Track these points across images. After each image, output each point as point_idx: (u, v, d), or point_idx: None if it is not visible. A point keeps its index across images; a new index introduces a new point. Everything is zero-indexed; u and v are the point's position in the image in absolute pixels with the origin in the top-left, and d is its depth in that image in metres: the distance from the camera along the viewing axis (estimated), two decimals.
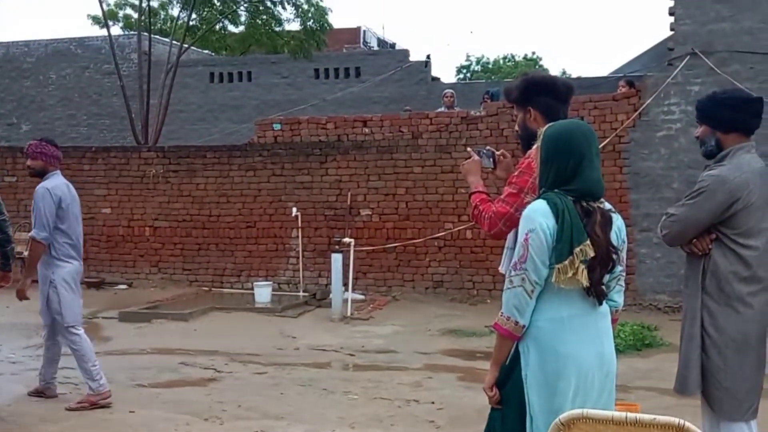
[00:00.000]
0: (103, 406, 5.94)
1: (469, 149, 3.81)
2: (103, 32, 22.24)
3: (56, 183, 6.08)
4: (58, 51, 23.07)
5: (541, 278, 2.72)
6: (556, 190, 2.78)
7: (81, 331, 6.09)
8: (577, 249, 2.68)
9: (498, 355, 2.86)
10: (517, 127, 3.56)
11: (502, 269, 3.38)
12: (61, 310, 5.97)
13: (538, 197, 2.82)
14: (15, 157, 13.36)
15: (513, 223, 3.19)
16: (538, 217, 2.73)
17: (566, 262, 2.67)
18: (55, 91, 22.97)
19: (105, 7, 21.63)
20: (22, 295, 6.07)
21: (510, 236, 3.33)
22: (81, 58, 22.82)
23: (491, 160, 3.68)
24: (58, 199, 5.97)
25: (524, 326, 2.76)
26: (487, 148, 3.78)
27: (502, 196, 3.33)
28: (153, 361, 7.65)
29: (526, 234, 2.73)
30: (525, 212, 2.81)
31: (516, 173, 3.34)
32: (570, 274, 2.68)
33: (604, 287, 2.77)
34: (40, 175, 6.16)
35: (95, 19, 27.10)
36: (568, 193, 2.76)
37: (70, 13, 76.52)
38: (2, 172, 13.26)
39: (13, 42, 24.33)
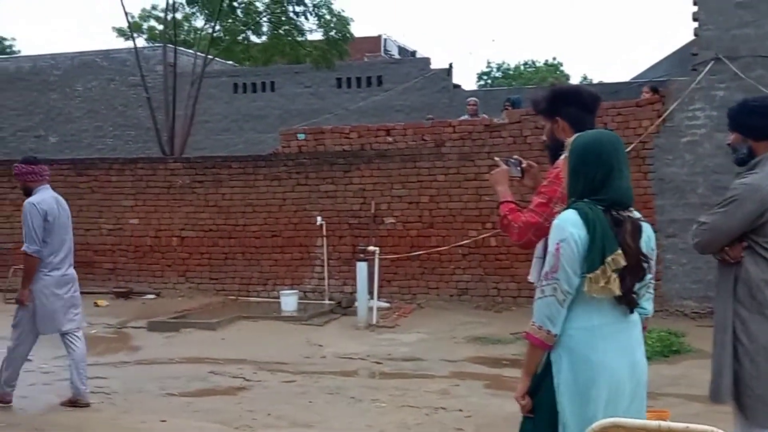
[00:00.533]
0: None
1: (496, 158, 3.82)
2: (128, 44, 22.53)
3: (43, 197, 6.31)
4: (84, 63, 23.39)
5: (572, 288, 2.75)
6: (585, 200, 2.81)
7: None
8: (609, 258, 2.71)
9: (529, 364, 2.89)
10: (544, 138, 3.59)
11: (531, 278, 3.41)
12: (36, 319, 6.25)
13: (568, 207, 2.84)
14: None
15: (542, 232, 3.22)
16: (568, 227, 2.75)
17: (598, 272, 2.70)
18: (82, 103, 23.28)
19: (130, 20, 21.90)
20: (23, 303, 6.28)
21: (539, 246, 3.35)
22: (107, 70, 23.12)
23: (519, 169, 3.70)
24: (44, 213, 6.21)
25: (556, 335, 2.79)
26: (515, 157, 3.80)
27: (531, 206, 3.36)
28: (182, 370, 7.72)
29: (557, 244, 2.76)
30: (555, 222, 2.83)
31: (545, 183, 3.36)
32: (602, 284, 2.70)
33: (635, 295, 2.80)
34: (28, 193, 6.40)
35: (120, 32, 27.48)
36: (597, 203, 2.79)
37: (95, 25, 77.50)
38: None
39: (39, 55, 24.72)
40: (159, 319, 10.12)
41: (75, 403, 6.32)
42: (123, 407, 6.32)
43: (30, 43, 79.14)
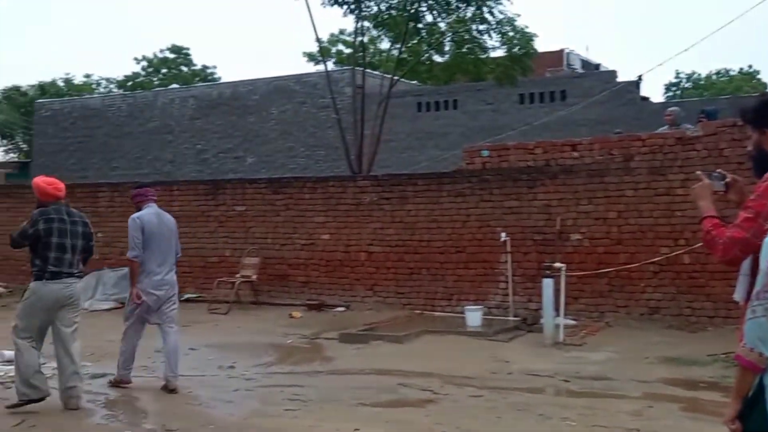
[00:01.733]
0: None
1: (698, 172, 3.69)
2: (318, 68, 23.60)
3: (143, 213, 7.55)
4: (279, 88, 24.77)
5: None
6: None
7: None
8: None
9: (739, 388, 2.77)
10: (750, 148, 3.43)
11: (736, 297, 3.26)
12: (141, 311, 7.50)
13: None
14: (244, 188, 14.50)
15: (749, 249, 3.08)
16: None
17: None
18: (276, 125, 24.65)
19: (320, 45, 22.94)
20: (134, 299, 7.47)
21: (745, 263, 3.21)
22: (299, 93, 24.36)
23: (723, 183, 3.56)
24: (142, 225, 7.43)
25: None
26: (718, 170, 3.66)
27: (737, 221, 3.22)
28: (372, 381, 7.93)
29: None
30: None
31: (752, 197, 3.20)
32: None
33: None
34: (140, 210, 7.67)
35: (310, 56, 28.85)
36: None
37: (287, 51, 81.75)
38: (233, 202, 14.39)
39: (238, 81, 26.46)
40: (349, 331, 10.49)
41: (165, 387, 7.32)
42: (319, 415, 6.58)
43: (230, 70, 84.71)
